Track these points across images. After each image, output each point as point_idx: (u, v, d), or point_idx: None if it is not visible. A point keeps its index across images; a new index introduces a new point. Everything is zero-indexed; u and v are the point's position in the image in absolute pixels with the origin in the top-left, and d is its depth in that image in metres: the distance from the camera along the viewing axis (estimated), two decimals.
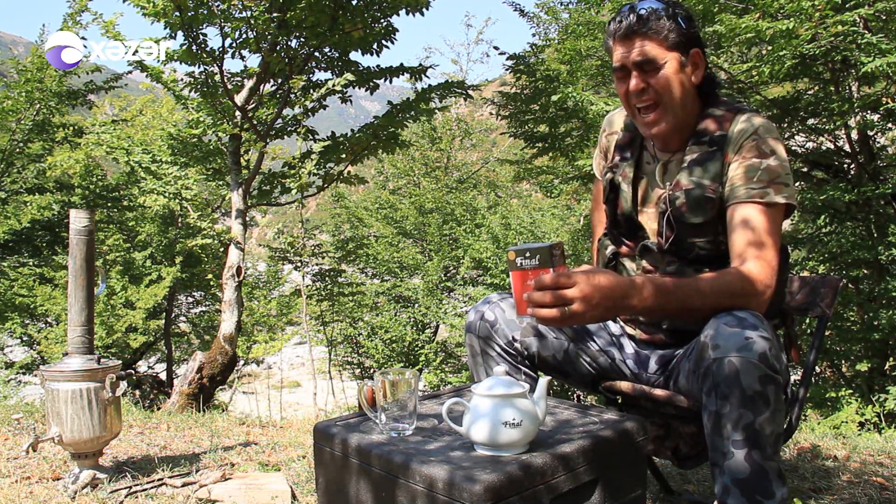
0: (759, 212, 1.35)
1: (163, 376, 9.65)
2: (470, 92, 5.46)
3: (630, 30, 1.40)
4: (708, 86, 1.48)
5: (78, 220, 1.94)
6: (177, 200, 5.55)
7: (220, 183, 6.99)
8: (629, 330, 1.62)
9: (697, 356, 1.26)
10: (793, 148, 6.40)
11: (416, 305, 9.45)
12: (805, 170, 6.05)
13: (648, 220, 1.53)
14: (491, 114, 8.62)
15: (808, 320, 5.16)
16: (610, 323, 1.66)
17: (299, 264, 7.29)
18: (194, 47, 4.56)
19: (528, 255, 1.23)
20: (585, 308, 1.17)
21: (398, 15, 4.98)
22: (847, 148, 5.77)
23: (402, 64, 5.27)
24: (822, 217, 5.88)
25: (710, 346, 1.21)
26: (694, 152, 1.45)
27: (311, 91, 5.13)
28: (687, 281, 1.30)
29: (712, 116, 1.46)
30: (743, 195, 1.37)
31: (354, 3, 4.77)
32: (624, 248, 1.59)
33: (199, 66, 4.84)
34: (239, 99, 4.93)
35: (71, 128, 8.25)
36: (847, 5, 4.33)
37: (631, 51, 1.40)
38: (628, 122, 1.61)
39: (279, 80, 5.19)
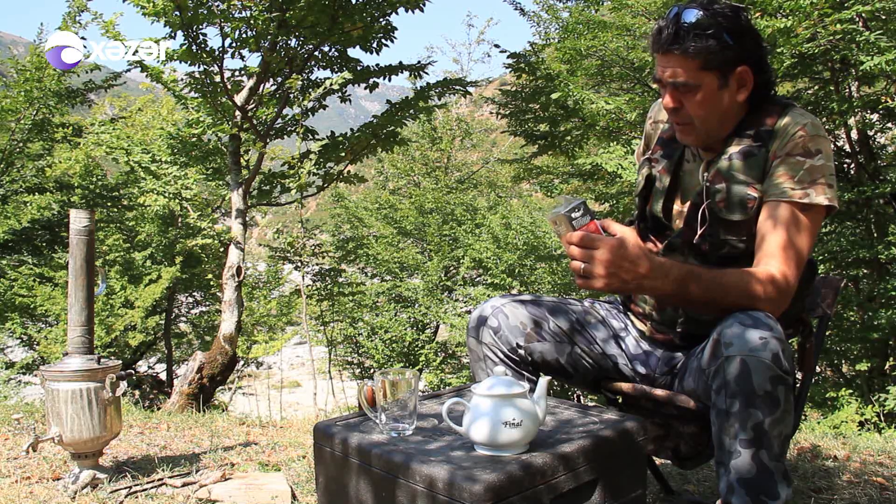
0: (796, 212, 1.31)
1: (163, 376, 9.64)
2: (469, 88, 5.45)
3: (668, 45, 1.31)
4: (760, 94, 1.39)
5: (78, 220, 1.93)
6: (177, 200, 5.54)
7: (220, 183, 6.97)
8: (639, 325, 1.59)
9: (709, 354, 1.25)
10: None
11: (416, 305, 9.44)
12: None
13: (682, 216, 1.48)
14: (491, 113, 8.62)
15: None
16: (613, 318, 1.63)
17: (299, 264, 7.28)
18: (194, 47, 4.55)
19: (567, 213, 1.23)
20: (604, 274, 1.17)
21: (396, 13, 4.98)
22: (847, 147, 5.77)
23: (400, 62, 5.27)
24: None
25: (723, 344, 1.20)
26: (738, 144, 1.38)
27: (310, 90, 5.12)
28: (713, 273, 1.28)
29: (758, 113, 1.40)
30: (782, 193, 1.32)
31: (353, 1, 4.77)
32: (650, 245, 1.54)
33: (198, 66, 4.83)
34: (239, 99, 4.93)
35: (70, 127, 8.24)
36: (846, 3, 4.33)
37: (666, 68, 1.34)
38: None
39: (279, 80, 5.19)
